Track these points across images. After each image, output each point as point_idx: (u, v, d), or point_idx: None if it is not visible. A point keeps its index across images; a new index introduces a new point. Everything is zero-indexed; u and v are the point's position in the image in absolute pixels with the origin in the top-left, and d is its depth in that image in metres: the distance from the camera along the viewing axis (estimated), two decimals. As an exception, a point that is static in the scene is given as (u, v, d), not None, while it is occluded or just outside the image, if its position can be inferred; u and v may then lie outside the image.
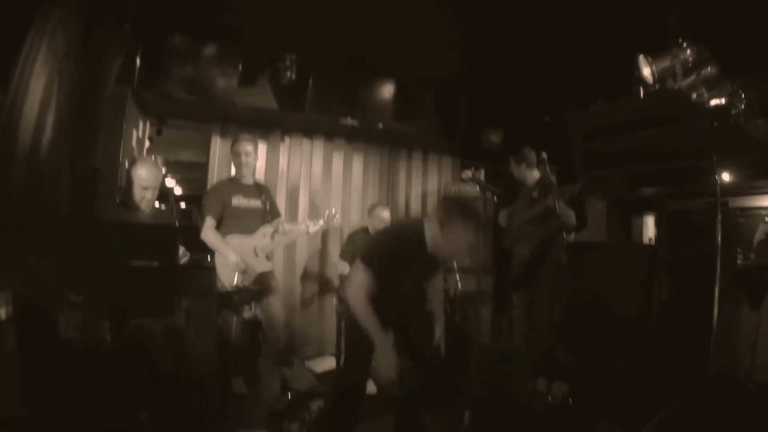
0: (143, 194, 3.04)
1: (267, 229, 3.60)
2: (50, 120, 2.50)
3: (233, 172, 3.85)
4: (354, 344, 2.83)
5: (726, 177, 4.19)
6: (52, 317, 2.25)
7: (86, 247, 2.12)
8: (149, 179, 3.04)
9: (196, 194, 4.80)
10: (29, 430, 2.06)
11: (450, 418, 3.09)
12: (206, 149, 4.62)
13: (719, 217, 3.11)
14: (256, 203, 3.66)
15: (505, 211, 4.45)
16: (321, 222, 3.67)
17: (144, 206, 3.08)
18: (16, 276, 2.05)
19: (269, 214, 3.69)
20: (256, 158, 3.77)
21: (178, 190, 5.36)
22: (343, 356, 3.19)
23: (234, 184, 3.70)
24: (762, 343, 3.52)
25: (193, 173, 5.06)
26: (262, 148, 4.43)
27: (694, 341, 3.34)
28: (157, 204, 3.28)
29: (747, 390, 3.50)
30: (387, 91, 4.51)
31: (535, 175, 4.13)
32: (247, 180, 3.70)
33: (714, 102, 3.08)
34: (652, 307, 4.16)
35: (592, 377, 3.64)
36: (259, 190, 3.72)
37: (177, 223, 3.90)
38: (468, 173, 3.36)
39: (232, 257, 3.43)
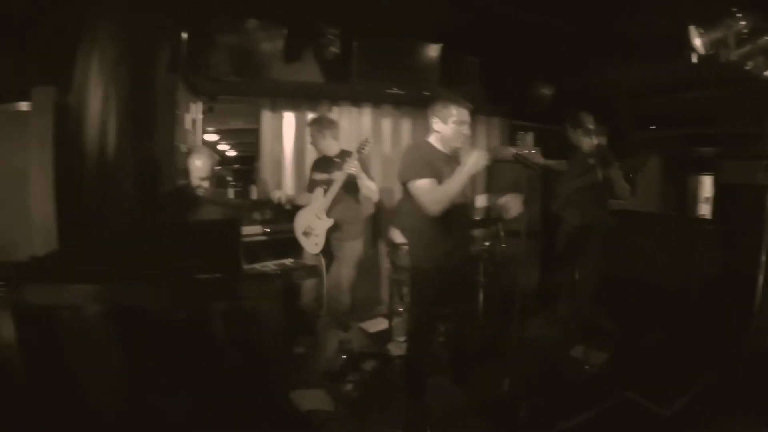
0: (199, 183, 3.34)
1: (318, 192, 3.81)
2: (111, 122, 2.75)
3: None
4: (419, 306, 2.97)
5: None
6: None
7: (154, 250, 2.32)
8: (204, 170, 3.31)
9: (249, 155, 5.10)
10: (130, 399, 2.42)
11: (489, 384, 3.24)
12: (257, 117, 4.75)
13: (772, 189, 3.01)
14: (326, 176, 3.86)
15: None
16: (355, 156, 3.64)
17: (200, 193, 3.37)
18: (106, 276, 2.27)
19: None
20: (331, 134, 3.93)
21: (231, 153, 5.64)
22: (411, 319, 3.26)
23: (317, 161, 4.03)
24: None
25: (245, 138, 5.29)
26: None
27: (734, 317, 3.30)
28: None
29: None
30: (431, 56, 4.44)
31: (591, 141, 3.99)
32: (329, 152, 3.93)
33: (771, 71, 2.89)
34: (693, 279, 4.09)
35: (629, 347, 3.67)
36: (338, 159, 3.85)
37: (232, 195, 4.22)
38: (515, 152, 3.36)
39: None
